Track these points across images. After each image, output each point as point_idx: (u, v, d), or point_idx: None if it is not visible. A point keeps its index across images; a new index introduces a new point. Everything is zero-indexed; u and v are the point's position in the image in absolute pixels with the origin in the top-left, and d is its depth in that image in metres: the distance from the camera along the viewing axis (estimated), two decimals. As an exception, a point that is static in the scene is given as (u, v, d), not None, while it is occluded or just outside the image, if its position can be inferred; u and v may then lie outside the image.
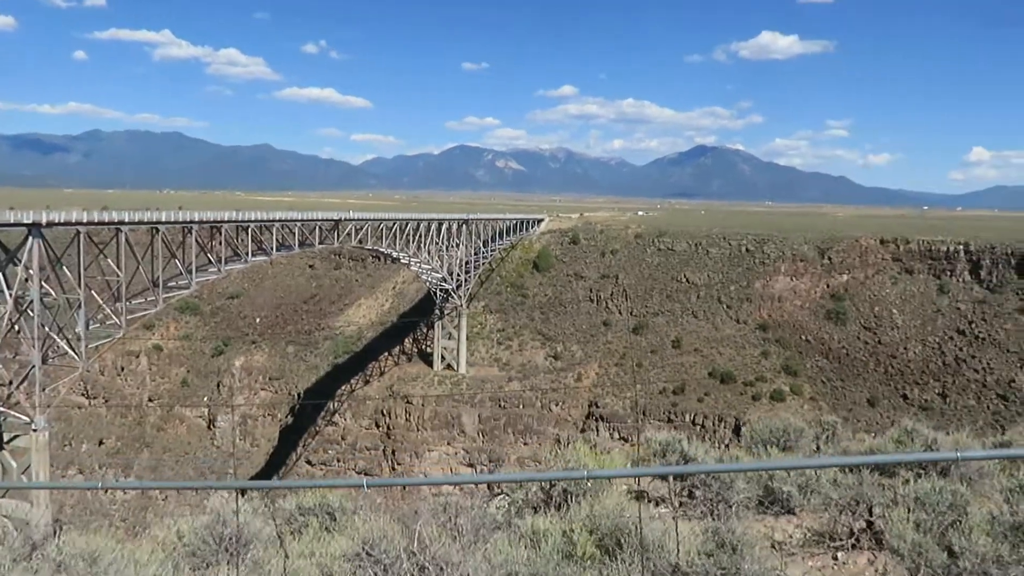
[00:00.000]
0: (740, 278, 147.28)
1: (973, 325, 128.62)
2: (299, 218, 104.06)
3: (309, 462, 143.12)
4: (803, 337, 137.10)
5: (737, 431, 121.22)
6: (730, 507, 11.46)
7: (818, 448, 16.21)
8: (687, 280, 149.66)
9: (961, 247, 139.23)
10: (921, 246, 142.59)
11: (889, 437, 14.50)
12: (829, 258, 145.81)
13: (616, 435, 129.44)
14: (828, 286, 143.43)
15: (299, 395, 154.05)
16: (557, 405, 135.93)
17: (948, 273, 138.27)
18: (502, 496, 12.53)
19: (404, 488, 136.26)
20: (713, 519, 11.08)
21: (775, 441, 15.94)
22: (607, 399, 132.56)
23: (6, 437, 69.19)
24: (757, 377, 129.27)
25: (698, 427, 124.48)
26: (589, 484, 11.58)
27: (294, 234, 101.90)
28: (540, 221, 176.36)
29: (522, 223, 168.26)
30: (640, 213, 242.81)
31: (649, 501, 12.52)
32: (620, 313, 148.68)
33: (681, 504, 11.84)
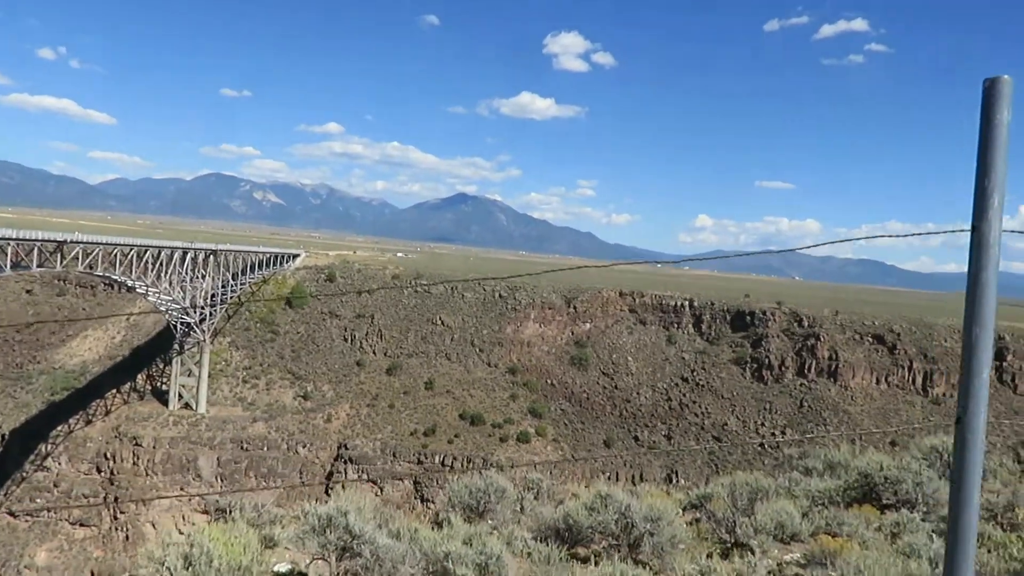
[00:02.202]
0: (493, 323, 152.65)
1: (695, 373, 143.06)
2: (13, 236, 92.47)
3: (11, 513, 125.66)
4: (549, 381, 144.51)
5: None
6: None
7: (521, 509, 15.16)
8: (442, 322, 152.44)
9: (687, 302, 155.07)
10: (653, 300, 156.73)
11: (582, 503, 13.14)
12: (575, 307, 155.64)
13: (365, 477, 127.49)
14: (573, 333, 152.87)
15: (4, 436, 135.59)
16: (304, 447, 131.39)
17: (675, 325, 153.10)
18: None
19: (128, 537, 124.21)
20: None
21: (473, 505, 14.54)
22: (357, 440, 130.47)
23: None
24: (506, 419, 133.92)
25: (448, 468, 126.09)
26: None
27: (6, 254, 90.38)
28: (296, 256, 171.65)
29: (277, 257, 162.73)
30: (399, 255, 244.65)
31: None
32: (374, 353, 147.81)
33: None
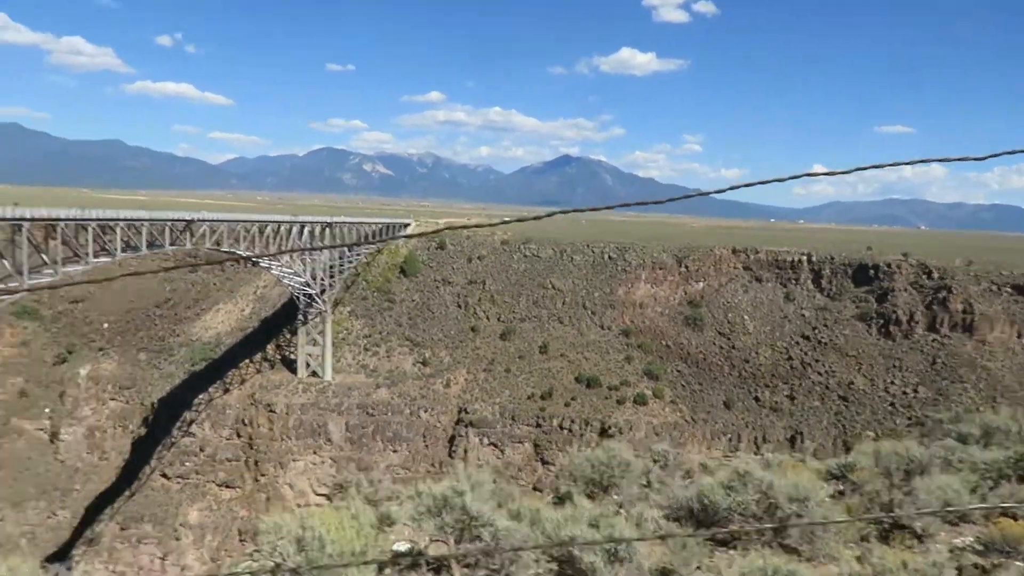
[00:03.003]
0: (604, 284, 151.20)
1: (816, 331, 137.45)
2: (147, 217, 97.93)
3: (165, 475, 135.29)
4: (664, 342, 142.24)
5: (603, 433, 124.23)
6: None
7: (648, 484, 14.15)
8: (553, 286, 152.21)
9: (804, 257, 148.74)
10: (768, 256, 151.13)
11: (719, 482, 12.08)
12: (686, 266, 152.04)
13: (486, 440, 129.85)
14: (686, 293, 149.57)
15: (153, 405, 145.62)
16: (426, 412, 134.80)
17: (793, 281, 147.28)
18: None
19: (268, 498, 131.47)
20: None
21: (596, 480, 13.43)
22: (476, 404, 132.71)
23: None
24: (622, 381, 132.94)
25: (565, 431, 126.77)
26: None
27: (141, 235, 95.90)
28: (406, 226, 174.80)
29: (388, 227, 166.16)
30: (507, 219, 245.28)
31: (428, 568, 10.37)
32: (488, 319, 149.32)
33: (465, 573, 9.81)
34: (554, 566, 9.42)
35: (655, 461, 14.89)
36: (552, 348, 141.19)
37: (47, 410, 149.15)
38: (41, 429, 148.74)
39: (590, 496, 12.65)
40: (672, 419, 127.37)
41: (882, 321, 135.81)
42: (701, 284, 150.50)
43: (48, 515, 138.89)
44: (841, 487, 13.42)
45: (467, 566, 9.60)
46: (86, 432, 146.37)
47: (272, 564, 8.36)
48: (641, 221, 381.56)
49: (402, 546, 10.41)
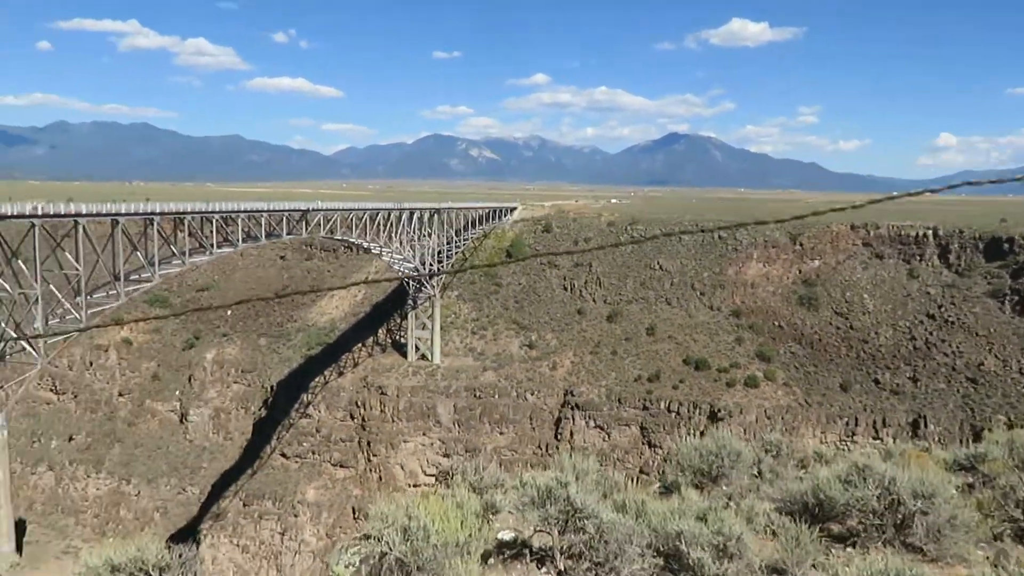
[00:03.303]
0: (713, 265, 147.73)
1: (942, 309, 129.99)
2: (265, 209, 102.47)
3: (284, 455, 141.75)
4: (776, 323, 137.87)
5: (712, 417, 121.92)
6: None
7: (759, 474, 13.52)
8: (660, 267, 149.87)
9: (930, 232, 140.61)
10: (891, 231, 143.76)
11: (836, 475, 11.17)
12: (800, 244, 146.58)
13: (592, 423, 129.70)
14: (800, 272, 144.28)
15: (272, 388, 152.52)
16: (533, 394, 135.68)
17: (918, 258, 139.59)
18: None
19: (380, 478, 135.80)
20: None
21: (705, 470, 13.01)
22: (583, 387, 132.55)
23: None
24: (731, 363, 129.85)
25: (673, 414, 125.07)
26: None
27: (260, 225, 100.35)
28: (513, 210, 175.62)
29: (495, 212, 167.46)
30: (613, 201, 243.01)
31: (532, 558, 10.29)
32: (594, 301, 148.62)
33: (563, 574, 9.65)
34: (660, 560, 9.20)
35: (767, 450, 14.23)
36: (659, 330, 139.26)
37: (177, 392, 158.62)
38: (172, 410, 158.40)
39: (698, 486, 12.29)
40: (785, 402, 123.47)
41: (1017, 298, 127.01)
42: (817, 262, 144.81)
43: (178, 491, 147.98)
44: (970, 479, 12.52)
45: (571, 557, 9.51)
46: (212, 413, 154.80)
47: (379, 552, 8.53)
48: (752, 197, 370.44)
49: (506, 535, 10.41)
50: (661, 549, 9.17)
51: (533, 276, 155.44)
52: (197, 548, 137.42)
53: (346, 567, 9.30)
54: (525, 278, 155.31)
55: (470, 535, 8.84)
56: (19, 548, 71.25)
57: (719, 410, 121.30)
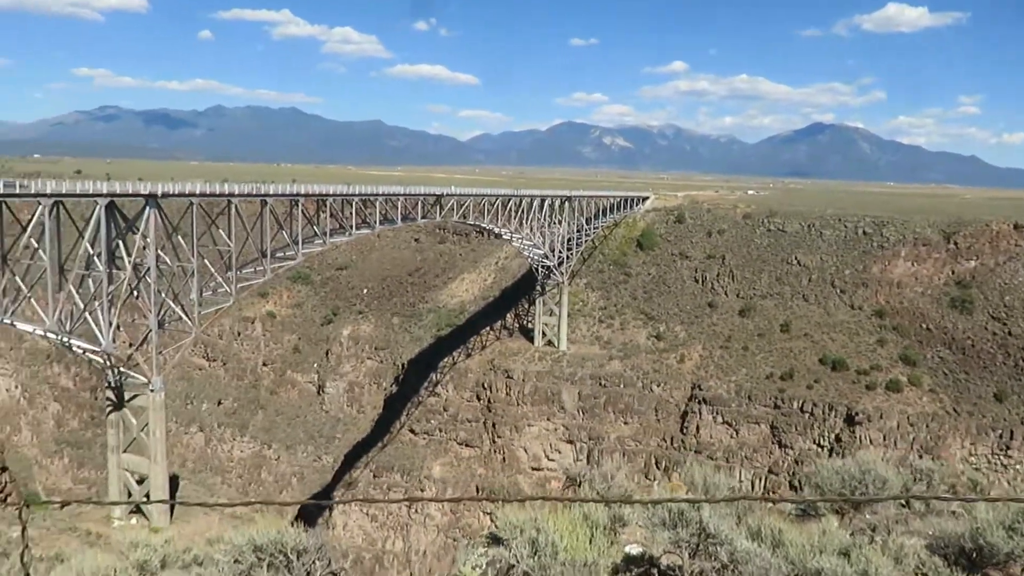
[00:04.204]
0: (856, 262, 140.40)
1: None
2: (402, 192, 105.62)
3: (412, 431, 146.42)
4: (923, 325, 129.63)
5: (849, 421, 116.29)
6: None
7: (906, 504, 12.18)
8: (798, 262, 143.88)
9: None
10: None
11: (998, 521, 9.54)
12: (955, 243, 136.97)
13: (720, 419, 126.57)
14: (953, 272, 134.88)
15: (403, 365, 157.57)
16: (659, 386, 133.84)
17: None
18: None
19: (504, 459, 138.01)
20: None
21: (847, 494, 11.85)
22: (711, 381, 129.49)
23: (127, 396, 73.46)
24: (872, 366, 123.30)
25: (806, 415, 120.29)
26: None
27: (397, 208, 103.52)
28: (645, 199, 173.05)
29: (626, 201, 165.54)
30: (750, 192, 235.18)
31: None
32: (726, 295, 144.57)
33: None
34: None
35: (916, 478, 13.19)
36: (795, 327, 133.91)
37: (315, 365, 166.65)
38: (310, 382, 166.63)
39: (839, 512, 11.56)
40: (930, 409, 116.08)
41: None
42: (973, 263, 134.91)
43: (314, 458, 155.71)
44: None
45: None
46: (347, 387, 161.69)
47: (507, 564, 8.57)
48: (902, 192, 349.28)
49: (634, 549, 10.23)
50: None
51: (663, 267, 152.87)
52: (330, 513, 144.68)
53: (473, 568, 9.42)
54: (655, 268, 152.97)
55: (599, 554, 8.73)
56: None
57: (856, 413, 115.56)
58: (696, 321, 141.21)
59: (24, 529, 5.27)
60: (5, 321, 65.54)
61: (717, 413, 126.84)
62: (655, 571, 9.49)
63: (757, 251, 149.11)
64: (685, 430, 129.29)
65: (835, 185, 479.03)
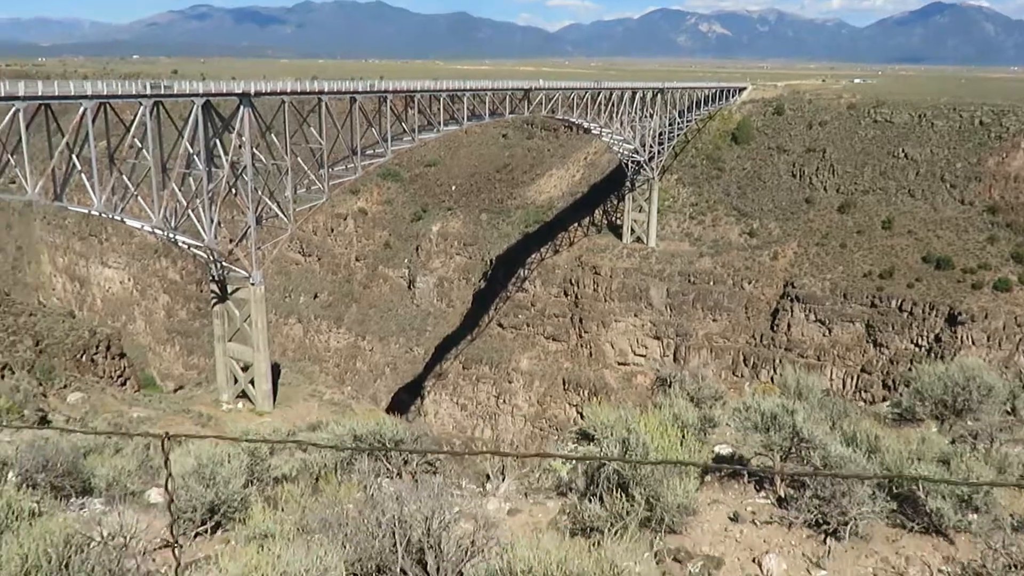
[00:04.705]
0: (969, 154, 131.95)
1: None
2: (489, 87, 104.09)
3: (500, 325, 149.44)
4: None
5: (951, 321, 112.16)
6: (847, 522, 8.37)
7: (1012, 411, 11.67)
8: (905, 155, 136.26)
9: None
10: None
11: None
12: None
13: (812, 316, 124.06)
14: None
15: (491, 261, 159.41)
16: (750, 283, 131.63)
17: None
18: None
19: (591, 353, 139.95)
20: (825, 535, 8.27)
21: (947, 402, 11.25)
22: (805, 279, 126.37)
23: (230, 289, 77.12)
24: (980, 264, 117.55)
25: (905, 314, 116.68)
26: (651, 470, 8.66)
27: (484, 103, 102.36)
28: (742, 90, 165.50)
29: (722, 92, 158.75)
30: (856, 81, 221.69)
31: (750, 480, 9.75)
32: (825, 190, 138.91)
33: (783, 502, 9.04)
34: (892, 504, 8.55)
35: (1023, 384, 12.53)
36: (897, 223, 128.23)
37: (406, 261, 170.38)
38: (401, 277, 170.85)
39: (938, 417, 11.18)
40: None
41: None
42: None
43: (406, 350, 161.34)
44: None
45: (792, 485, 9.16)
46: (436, 282, 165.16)
47: (598, 460, 8.72)
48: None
49: (724, 449, 10.26)
50: (895, 491, 8.52)
51: (759, 161, 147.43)
52: (422, 402, 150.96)
53: (563, 463, 9.66)
54: (750, 163, 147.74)
55: (689, 455, 8.77)
56: (275, 388, 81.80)
57: (959, 313, 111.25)
58: (791, 218, 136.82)
59: (167, 460, 5.61)
60: (116, 217, 69.01)
61: (809, 311, 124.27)
62: (745, 472, 9.54)
63: (861, 144, 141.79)
64: (775, 328, 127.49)
65: (952, 71, 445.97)
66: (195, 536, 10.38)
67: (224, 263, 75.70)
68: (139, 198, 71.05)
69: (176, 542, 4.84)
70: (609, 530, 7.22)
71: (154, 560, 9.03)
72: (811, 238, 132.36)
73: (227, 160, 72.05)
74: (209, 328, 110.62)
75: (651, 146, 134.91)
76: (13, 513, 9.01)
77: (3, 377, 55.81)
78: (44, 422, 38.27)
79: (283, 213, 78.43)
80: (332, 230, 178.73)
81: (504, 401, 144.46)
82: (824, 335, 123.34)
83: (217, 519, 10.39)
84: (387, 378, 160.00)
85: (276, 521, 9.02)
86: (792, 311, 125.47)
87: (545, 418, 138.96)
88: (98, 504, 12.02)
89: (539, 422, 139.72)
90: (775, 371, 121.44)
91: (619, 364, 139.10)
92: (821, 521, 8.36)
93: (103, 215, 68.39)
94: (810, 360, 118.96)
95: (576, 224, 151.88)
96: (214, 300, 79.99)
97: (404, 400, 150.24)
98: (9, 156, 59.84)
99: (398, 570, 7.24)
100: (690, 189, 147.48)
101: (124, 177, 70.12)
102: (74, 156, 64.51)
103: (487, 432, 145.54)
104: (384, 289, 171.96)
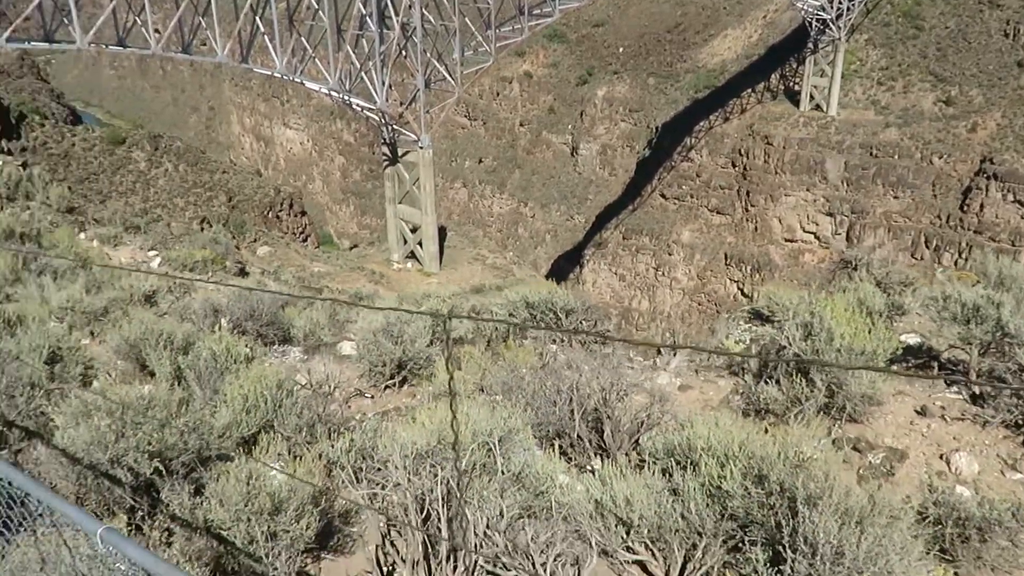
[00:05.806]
0: None
1: None
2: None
3: (663, 195, 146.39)
4: None
5: None
6: None
7: None
8: None
9: None
10: None
11: None
12: None
13: (1011, 197, 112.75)
14: None
15: (657, 128, 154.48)
16: (940, 158, 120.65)
17: None
18: None
19: (756, 228, 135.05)
20: None
21: None
22: (1006, 155, 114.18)
23: (399, 152, 79.63)
24: None
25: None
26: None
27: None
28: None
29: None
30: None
31: (940, 373, 8.96)
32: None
33: (977, 398, 8.35)
34: None
35: None
36: None
37: (569, 127, 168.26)
38: (564, 143, 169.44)
39: None
40: None
41: None
42: None
43: (567, 218, 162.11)
44: None
45: (989, 382, 8.63)
46: (599, 149, 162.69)
47: (775, 342, 8.58)
48: None
49: (911, 339, 9.77)
50: None
51: (966, 18, 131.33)
52: (580, 271, 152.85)
53: (736, 342, 9.60)
54: (955, 20, 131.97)
55: (877, 347, 8.42)
56: (441, 250, 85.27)
57: None
58: (999, 84, 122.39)
59: (448, 337, 5.86)
60: (296, 79, 72.08)
61: (1008, 191, 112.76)
62: (935, 364, 9.09)
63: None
64: (966, 208, 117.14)
65: None
66: (384, 388, 11.31)
67: (395, 126, 77.88)
68: (316, 60, 73.58)
69: (453, 415, 5.25)
70: (786, 413, 7.19)
71: (349, 407, 10.01)
72: (1019, 107, 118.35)
73: (398, 21, 72.68)
74: (381, 190, 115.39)
75: (840, 2, 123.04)
76: (231, 357, 10.20)
77: (203, 230, 61.40)
78: (243, 273, 42.07)
79: (450, 76, 78.95)
80: (497, 94, 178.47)
81: (663, 273, 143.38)
82: (1023, 217, 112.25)
83: (404, 374, 11.26)
84: (547, 245, 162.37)
85: (459, 381, 9.66)
86: (987, 190, 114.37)
87: (704, 293, 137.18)
88: (297, 352, 13.35)
89: (698, 296, 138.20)
90: (959, 255, 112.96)
91: (786, 240, 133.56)
92: (1022, 422, 7.93)
93: (284, 77, 71.54)
94: (1003, 244, 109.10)
95: (750, 90, 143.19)
96: (385, 163, 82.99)
97: (563, 268, 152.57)
98: (200, 18, 63.26)
99: (575, 436, 7.62)
100: (881, 51, 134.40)
101: (303, 39, 72.57)
102: (257, 18, 67.21)
103: (644, 304, 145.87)
104: (547, 155, 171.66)
